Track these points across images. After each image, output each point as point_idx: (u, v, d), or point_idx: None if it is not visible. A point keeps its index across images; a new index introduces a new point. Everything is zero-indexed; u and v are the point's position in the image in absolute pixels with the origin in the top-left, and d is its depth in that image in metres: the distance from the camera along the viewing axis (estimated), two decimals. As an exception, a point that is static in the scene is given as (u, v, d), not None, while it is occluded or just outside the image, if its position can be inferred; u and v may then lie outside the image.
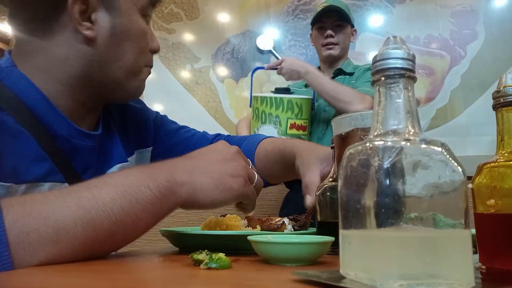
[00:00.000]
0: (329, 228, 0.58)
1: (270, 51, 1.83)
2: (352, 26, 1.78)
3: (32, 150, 0.60)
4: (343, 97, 1.51)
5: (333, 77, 1.74)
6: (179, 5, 2.52)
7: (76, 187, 0.50)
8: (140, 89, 0.73)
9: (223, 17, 2.46)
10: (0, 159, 0.56)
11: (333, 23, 1.72)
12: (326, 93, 1.54)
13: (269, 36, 1.82)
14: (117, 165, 0.76)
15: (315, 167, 0.70)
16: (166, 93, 2.44)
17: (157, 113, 0.92)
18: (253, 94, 1.70)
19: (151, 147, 0.87)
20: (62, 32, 0.64)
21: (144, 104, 0.91)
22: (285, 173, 0.86)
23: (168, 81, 2.45)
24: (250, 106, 1.69)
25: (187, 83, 2.47)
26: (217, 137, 0.95)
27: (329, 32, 1.72)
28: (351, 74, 1.73)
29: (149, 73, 0.74)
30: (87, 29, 0.64)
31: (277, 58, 1.81)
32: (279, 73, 1.65)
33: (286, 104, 1.59)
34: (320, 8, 1.75)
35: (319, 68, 1.80)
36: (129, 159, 0.80)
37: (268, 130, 1.59)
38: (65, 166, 0.65)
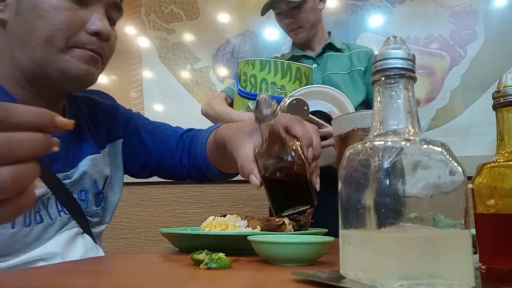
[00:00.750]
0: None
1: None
2: None
3: None
4: None
5: (321, 53, 1.54)
6: (179, 5, 2.52)
7: None
8: (77, 70, 0.65)
9: (223, 17, 2.46)
10: None
11: (287, 5, 1.46)
12: None
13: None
14: (89, 156, 0.75)
15: (245, 143, 0.64)
16: (166, 93, 2.44)
17: (129, 109, 0.93)
18: (245, 59, 1.39)
19: (122, 139, 0.86)
20: None
21: (115, 101, 0.91)
22: (230, 162, 0.74)
23: (168, 81, 2.45)
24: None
25: (187, 83, 2.47)
26: (189, 132, 0.92)
27: (286, 21, 1.49)
28: (341, 50, 1.55)
29: (91, 57, 0.66)
30: (0, 12, 0.63)
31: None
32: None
33: (295, 72, 1.30)
34: None
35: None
36: (101, 151, 0.80)
37: None
38: None
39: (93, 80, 0.68)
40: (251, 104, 1.34)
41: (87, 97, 0.84)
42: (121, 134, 0.86)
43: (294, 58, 1.55)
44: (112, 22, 0.71)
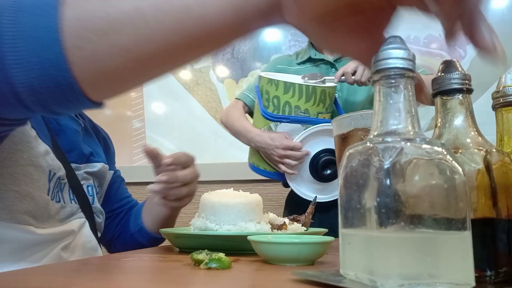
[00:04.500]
0: None
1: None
2: None
3: None
4: None
5: (339, 57, 1.50)
6: (179, 5, 2.53)
7: None
8: None
9: (223, 17, 2.46)
10: None
11: None
12: None
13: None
14: (102, 163, 0.81)
15: None
16: (166, 93, 2.44)
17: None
18: (268, 75, 1.32)
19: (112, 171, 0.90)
20: None
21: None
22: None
23: (168, 81, 2.45)
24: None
25: (187, 83, 2.47)
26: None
27: None
28: None
29: None
30: None
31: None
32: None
33: (319, 95, 1.27)
34: None
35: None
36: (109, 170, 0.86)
37: (291, 128, 1.30)
38: (52, 141, 0.68)
39: None
40: (273, 126, 1.34)
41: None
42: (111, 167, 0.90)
43: (311, 60, 1.53)
44: None
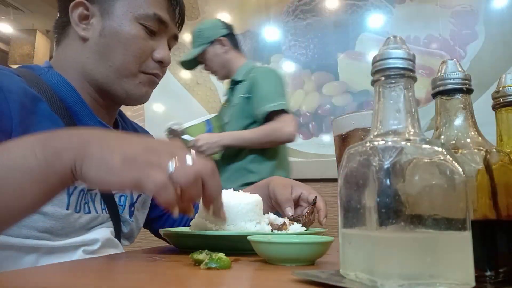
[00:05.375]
0: None
1: (182, 135, 1.75)
2: (211, 42, 1.74)
3: None
4: (269, 135, 1.59)
5: (230, 89, 1.78)
6: (179, 5, 2.53)
7: None
8: (140, 93, 0.77)
9: (223, 17, 2.46)
10: None
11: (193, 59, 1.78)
12: (256, 142, 1.61)
13: (181, 122, 1.77)
14: None
15: None
16: (166, 93, 2.44)
17: None
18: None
19: None
20: (69, 35, 0.77)
21: (146, 132, 1.00)
22: None
23: (168, 81, 2.45)
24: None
25: (187, 83, 2.47)
26: None
27: (204, 69, 1.82)
28: (242, 81, 1.71)
29: (152, 81, 0.79)
30: (82, 30, 0.74)
31: (188, 141, 1.69)
32: (197, 151, 1.59)
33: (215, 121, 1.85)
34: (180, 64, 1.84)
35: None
36: None
37: None
38: None
39: (148, 98, 0.81)
40: None
41: (134, 126, 0.95)
42: None
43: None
44: (169, 48, 0.83)
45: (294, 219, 0.71)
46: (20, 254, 0.62)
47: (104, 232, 0.72)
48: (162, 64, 0.79)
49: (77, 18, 0.74)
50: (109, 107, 0.80)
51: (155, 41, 0.77)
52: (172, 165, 0.46)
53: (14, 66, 0.92)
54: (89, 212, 0.70)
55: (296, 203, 0.83)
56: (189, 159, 0.48)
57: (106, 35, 0.73)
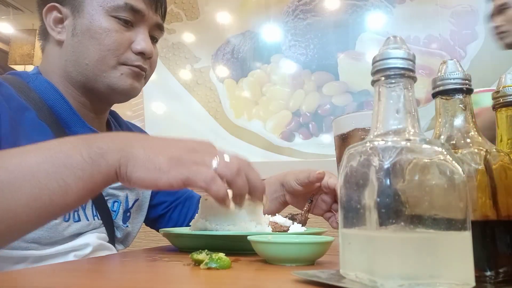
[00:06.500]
0: None
1: None
2: None
3: None
4: None
5: None
6: (179, 5, 2.52)
7: (11, 150, 0.49)
8: (124, 85, 0.74)
9: (223, 17, 2.46)
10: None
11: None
12: None
13: None
14: None
15: None
16: (166, 93, 2.44)
17: None
18: None
19: None
20: (49, 41, 0.76)
21: (142, 130, 1.00)
22: None
23: (168, 81, 2.45)
24: None
25: (187, 83, 2.47)
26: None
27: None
28: None
29: (135, 73, 0.75)
30: (58, 34, 0.74)
31: None
32: None
33: None
34: None
35: None
36: None
37: None
38: None
39: (136, 93, 0.77)
40: None
41: (128, 125, 0.94)
42: None
43: None
44: (155, 40, 0.80)
45: (291, 218, 0.71)
46: (8, 265, 0.61)
47: (95, 237, 0.72)
48: (144, 56, 0.75)
49: (52, 22, 0.74)
50: (97, 111, 0.79)
51: (133, 32, 0.74)
52: (215, 162, 0.49)
53: (14, 66, 0.93)
54: (79, 220, 0.69)
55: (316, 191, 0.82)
56: (227, 156, 0.51)
57: (78, 33, 0.72)
